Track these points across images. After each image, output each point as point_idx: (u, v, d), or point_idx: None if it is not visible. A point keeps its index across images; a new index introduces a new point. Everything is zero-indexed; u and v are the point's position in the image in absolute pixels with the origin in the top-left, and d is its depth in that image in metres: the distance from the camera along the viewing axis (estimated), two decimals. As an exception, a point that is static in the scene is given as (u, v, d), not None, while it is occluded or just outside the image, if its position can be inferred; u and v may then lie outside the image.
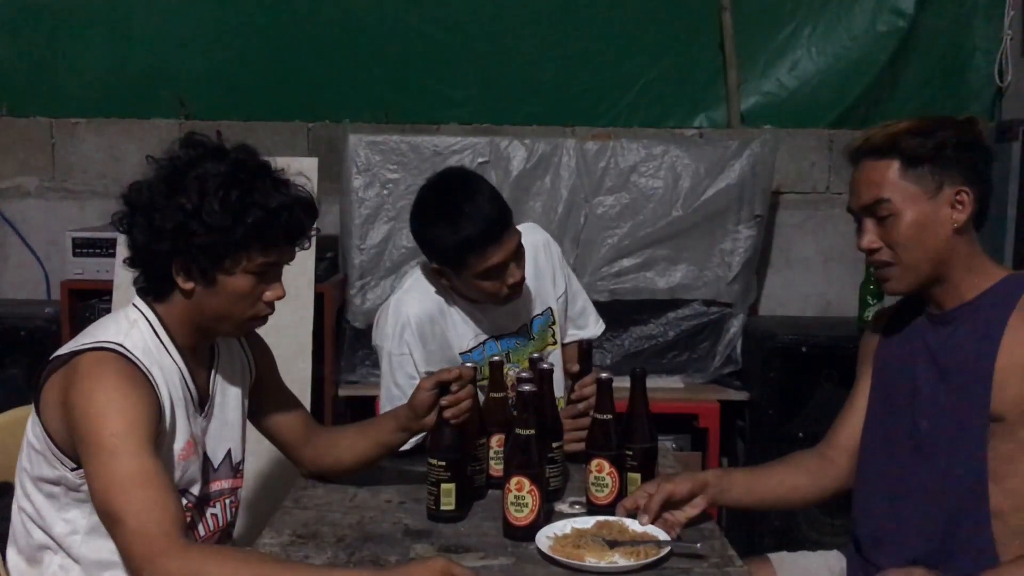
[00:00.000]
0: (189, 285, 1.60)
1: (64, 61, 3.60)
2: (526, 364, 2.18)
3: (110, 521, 1.45)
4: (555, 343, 2.30)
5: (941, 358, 1.71)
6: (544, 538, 1.64)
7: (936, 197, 1.67)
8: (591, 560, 1.57)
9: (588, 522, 1.71)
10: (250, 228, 1.56)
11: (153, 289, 1.65)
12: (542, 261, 2.28)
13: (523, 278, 2.10)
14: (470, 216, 2.00)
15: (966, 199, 1.67)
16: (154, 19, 3.58)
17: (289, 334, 2.84)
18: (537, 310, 2.26)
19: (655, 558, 1.57)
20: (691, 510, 1.75)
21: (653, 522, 1.69)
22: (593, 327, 2.40)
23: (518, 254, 2.07)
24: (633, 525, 1.69)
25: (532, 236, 2.23)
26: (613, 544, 1.62)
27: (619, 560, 1.58)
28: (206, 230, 1.55)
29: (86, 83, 3.62)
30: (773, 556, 1.94)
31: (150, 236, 1.58)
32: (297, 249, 1.68)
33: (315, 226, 1.70)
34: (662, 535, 1.65)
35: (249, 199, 1.56)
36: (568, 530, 1.68)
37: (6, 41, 3.59)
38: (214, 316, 1.64)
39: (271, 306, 1.67)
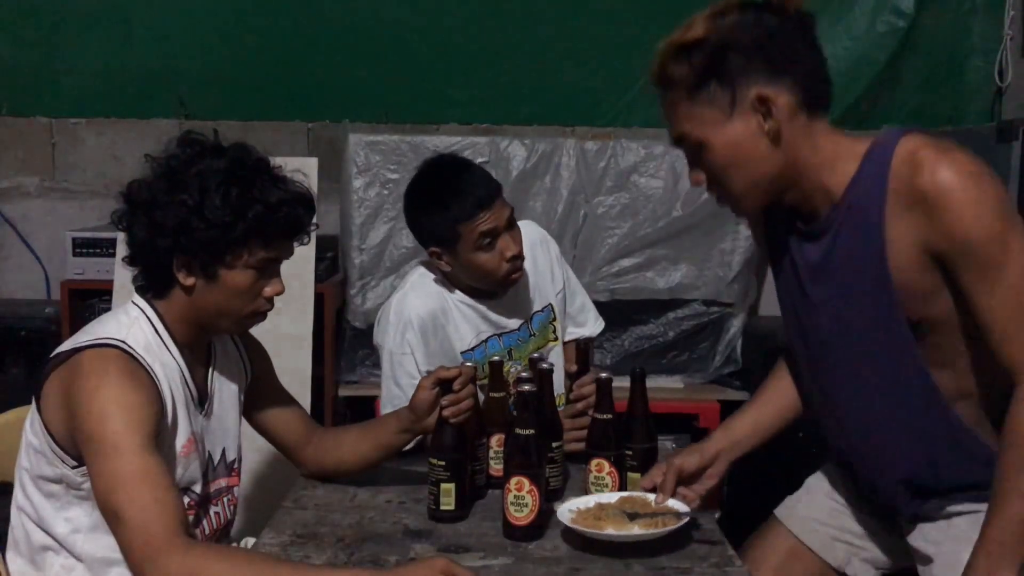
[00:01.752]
0: (190, 281, 1.61)
1: (64, 61, 3.60)
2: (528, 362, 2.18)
3: (112, 519, 1.46)
4: (556, 339, 2.31)
5: (828, 273, 1.55)
6: (567, 511, 1.67)
7: (734, 113, 1.45)
8: (610, 530, 1.61)
9: (612, 497, 1.74)
10: (251, 223, 1.57)
11: (153, 286, 1.66)
12: (540, 256, 2.29)
13: (521, 254, 2.10)
14: (459, 188, 2.05)
15: (772, 100, 1.44)
16: (154, 19, 3.58)
17: (289, 334, 2.84)
18: (537, 306, 2.26)
19: (672, 527, 1.61)
20: (708, 481, 1.76)
21: (672, 497, 1.71)
22: (592, 325, 2.40)
23: (511, 225, 2.09)
24: (657, 499, 1.72)
25: (529, 232, 2.24)
26: (634, 516, 1.65)
27: (637, 531, 1.62)
28: (208, 226, 1.56)
29: (86, 83, 3.62)
30: (780, 513, 1.90)
31: (151, 233, 1.59)
32: (296, 244, 1.69)
33: (314, 221, 1.71)
34: (683, 508, 1.68)
35: (249, 195, 1.57)
36: (591, 504, 1.71)
37: (6, 41, 3.59)
38: (214, 312, 1.65)
39: (271, 302, 1.68)
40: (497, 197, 2.07)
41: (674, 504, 1.69)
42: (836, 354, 1.61)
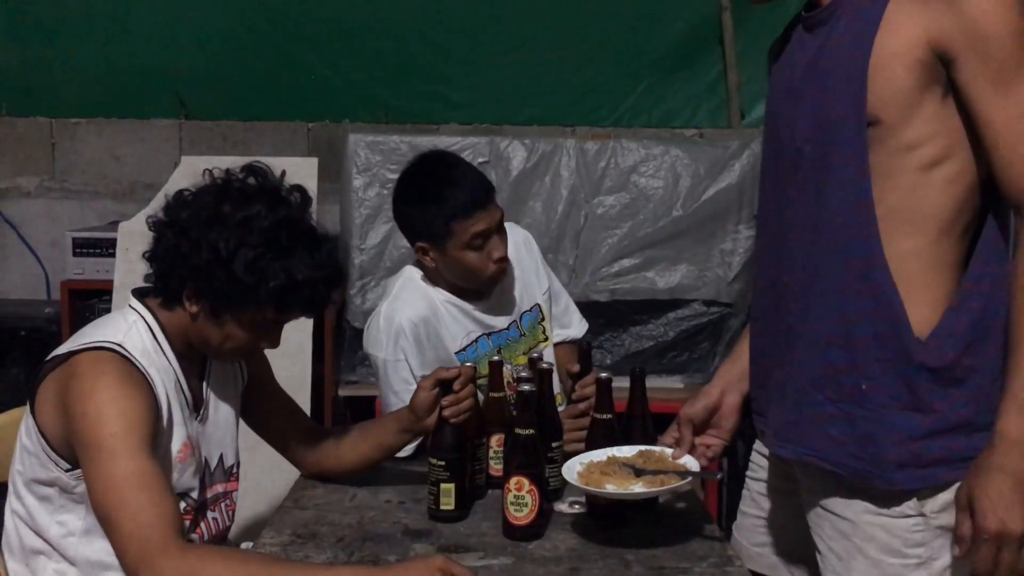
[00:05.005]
0: (194, 310, 1.60)
1: (64, 61, 3.61)
2: (519, 360, 2.18)
3: (107, 523, 1.45)
4: (547, 339, 2.30)
5: (821, 63, 1.48)
6: (577, 464, 1.70)
7: None
8: (609, 487, 1.62)
9: (630, 451, 1.74)
10: (271, 292, 1.55)
11: (161, 295, 1.64)
12: (524, 257, 2.28)
13: (506, 255, 2.10)
14: (455, 184, 2.04)
15: None
16: (154, 19, 3.58)
17: (289, 334, 2.82)
18: (526, 306, 2.26)
19: (671, 486, 1.63)
20: (726, 421, 1.75)
21: (691, 452, 1.72)
22: (577, 326, 2.40)
23: (501, 228, 2.09)
24: (674, 454, 1.74)
25: (513, 234, 2.23)
26: (640, 473, 1.65)
27: (638, 488, 1.62)
28: (228, 280, 1.54)
29: (86, 83, 3.62)
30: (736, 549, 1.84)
31: (173, 257, 1.58)
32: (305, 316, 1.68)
33: (336, 297, 1.70)
34: (694, 465, 1.69)
35: (281, 263, 1.54)
36: (604, 458, 1.72)
37: (6, 41, 3.59)
38: (205, 342, 1.65)
39: (260, 351, 1.71)
40: (492, 198, 2.07)
41: (687, 461, 1.70)
42: (805, 168, 1.50)
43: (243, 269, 1.53)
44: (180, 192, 1.63)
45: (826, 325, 1.49)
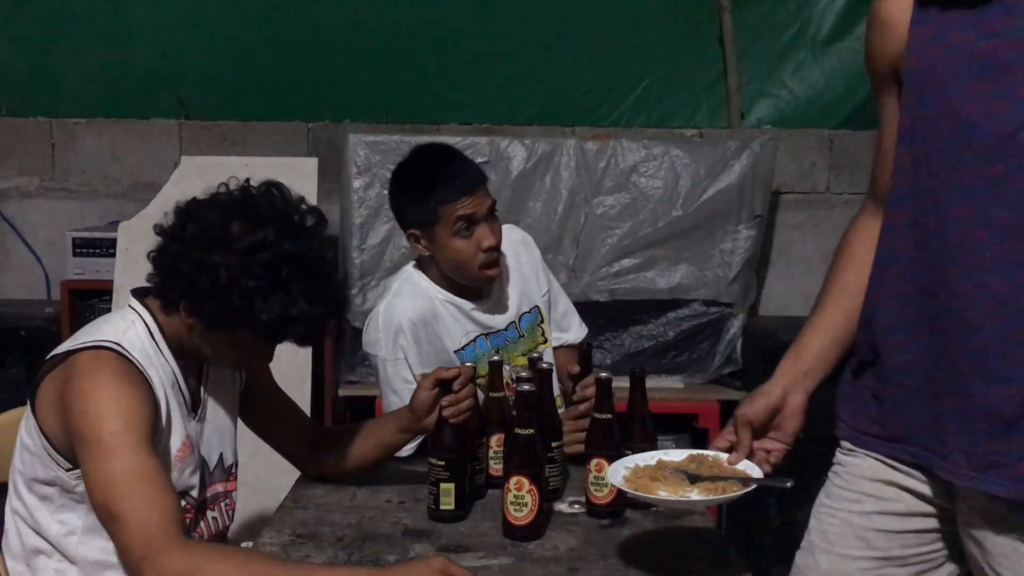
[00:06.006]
0: (190, 322, 1.60)
1: (64, 61, 3.60)
2: (519, 362, 2.18)
3: (108, 520, 1.45)
4: (546, 341, 2.30)
5: (1002, 51, 1.28)
6: (622, 468, 1.53)
7: None
8: (662, 493, 1.47)
9: (680, 455, 1.56)
10: (264, 324, 1.53)
11: (160, 299, 1.63)
12: (524, 259, 2.28)
13: (497, 246, 2.09)
14: (444, 172, 2.07)
15: None
16: (154, 19, 3.58)
17: (289, 334, 2.84)
18: (525, 307, 2.26)
19: (734, 494, 1.44)
20: (789, 424, 1.51)
21: (749, 457, 1.50)
22: (577, 330, 2.39)
23: (491, 216, 2.09)
24: (730, 459, 1.53)
25: (512, 235, 2.24)
26: (695, 479, 1.48)
27: (694, 496, 1.46)
28: (223, 306, 1.53)
29: (86, 83, 3.62)
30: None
31: (174, 272, 1.57)
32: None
33: (332, 327, 1.69)
34: (756, 472, 1.48)
35: (278, 297, 1.52)
36: (652, 462, 1.54)
37: (6, 41, 3.59)
38: (197, 350, 1.65)
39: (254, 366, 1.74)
40: (481, 185, 2.09)
41: (746, 467, 1.49)
42: (1018, 159, 1.29)
43: (239, 299, 1.51)
44: (192, 201, 1.60)
45: None
